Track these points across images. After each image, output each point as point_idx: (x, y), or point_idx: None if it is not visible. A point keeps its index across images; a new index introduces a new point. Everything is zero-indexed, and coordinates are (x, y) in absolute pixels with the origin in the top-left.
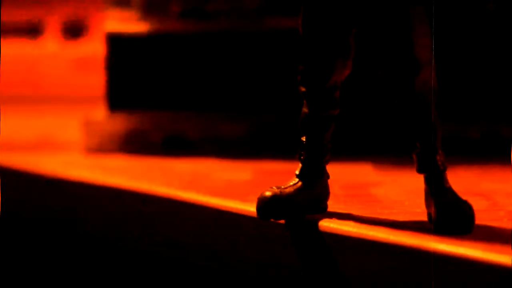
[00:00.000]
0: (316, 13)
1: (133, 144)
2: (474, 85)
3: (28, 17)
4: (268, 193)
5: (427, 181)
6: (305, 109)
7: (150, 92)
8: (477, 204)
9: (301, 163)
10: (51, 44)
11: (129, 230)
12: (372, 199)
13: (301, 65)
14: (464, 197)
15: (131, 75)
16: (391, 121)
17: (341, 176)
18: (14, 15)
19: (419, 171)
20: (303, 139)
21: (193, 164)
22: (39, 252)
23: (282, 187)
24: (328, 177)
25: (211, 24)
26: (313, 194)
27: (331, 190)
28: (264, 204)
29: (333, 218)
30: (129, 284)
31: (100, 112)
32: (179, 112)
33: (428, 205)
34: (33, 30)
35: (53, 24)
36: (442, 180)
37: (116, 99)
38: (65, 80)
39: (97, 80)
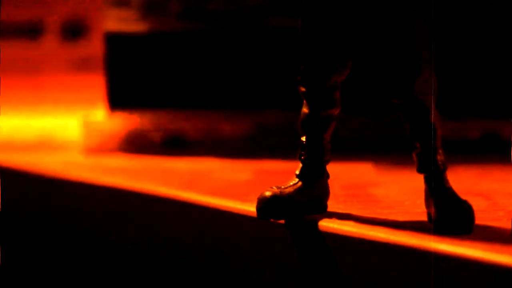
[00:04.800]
0: (316, 13)
1: (133, 144)
2: (474, 84)
3: (28, 17)
4: (267, 193)
5: (427, 181)
6: (305, 109)
7: (150, 92)
8: (477, 204)
9: (302, 163)
10: (51, 44)
11: (129, 230)
12: (372, 199)
13: (301, 65)
14: (464, 197)
15: (130, 75)
16: (392, 121)
17: (341, 176)
18: (14, 15)
19: (419, 171)
20: (303, 139)
21: (193, 164)
22: (39, 252)
23: (282, 187)
24: (328, 177)
25: (211, 24)
26: (313, 194)
27: (331, 190)
28: (263, 204)
29: (333, 218)
30: (129, 284)
31: (100, 112)
32: (179, 111)
33: (427, 205)
34: (33, 30)
35: (53, 24)
36: (442, 180)
37: (116, 99)
38: (65, 80)
39: (97, 80)
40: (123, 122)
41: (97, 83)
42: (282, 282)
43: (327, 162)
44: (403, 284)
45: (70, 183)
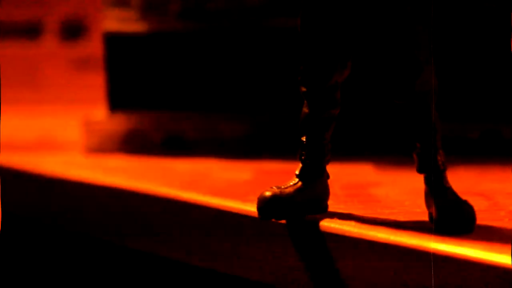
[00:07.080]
0: (315, 13)
1: (133, 144)
2: (474, 84)
3: (27, 17)
4: (268, 193)
5: (427, 181)
6: (305, 109)
7: (150, 92)
8: (477, 204)
9: (302, 163)
10: (50, 44)
11: (129, 230)
12: (372, 199)
13: (301, 65)
14: (464, 197)
15: (130, 75)
16: (391, 121)
17: (341, 176)
18: (13, 15)
19: (419, 171)
20: (303, 139)
21: (193, 164)
22: (39, 252)
23: (282, 187)
24: (328, 177)
25: (212, 23)
26: (313, 194)
27: (331, 190)
28: (264, 204)
29: (334, 218)
30: (128, 284)
31: (100, 112)
32: (179, 112)
33: (428, 205)
34: (32, 30)
35: (52, 24)
36: (443, 180)
37: (116, 99)
38: (65, 80)
39: (97, 80)
40: (123, 122)
41: (97, 83)
42: (282, 282)
43: (327, 162)
44: (403, 284)
45: (70, 183)
